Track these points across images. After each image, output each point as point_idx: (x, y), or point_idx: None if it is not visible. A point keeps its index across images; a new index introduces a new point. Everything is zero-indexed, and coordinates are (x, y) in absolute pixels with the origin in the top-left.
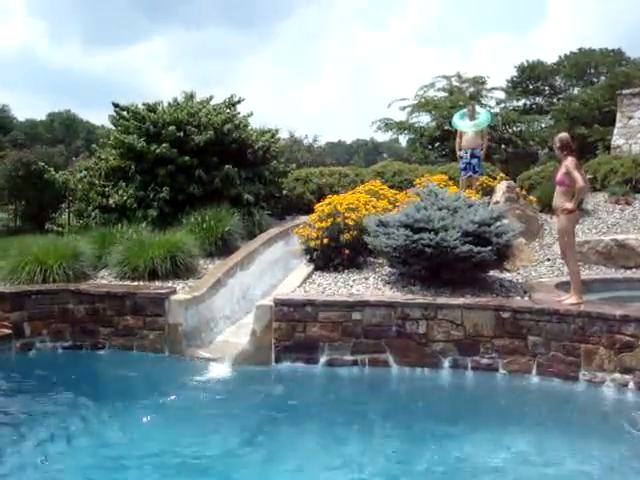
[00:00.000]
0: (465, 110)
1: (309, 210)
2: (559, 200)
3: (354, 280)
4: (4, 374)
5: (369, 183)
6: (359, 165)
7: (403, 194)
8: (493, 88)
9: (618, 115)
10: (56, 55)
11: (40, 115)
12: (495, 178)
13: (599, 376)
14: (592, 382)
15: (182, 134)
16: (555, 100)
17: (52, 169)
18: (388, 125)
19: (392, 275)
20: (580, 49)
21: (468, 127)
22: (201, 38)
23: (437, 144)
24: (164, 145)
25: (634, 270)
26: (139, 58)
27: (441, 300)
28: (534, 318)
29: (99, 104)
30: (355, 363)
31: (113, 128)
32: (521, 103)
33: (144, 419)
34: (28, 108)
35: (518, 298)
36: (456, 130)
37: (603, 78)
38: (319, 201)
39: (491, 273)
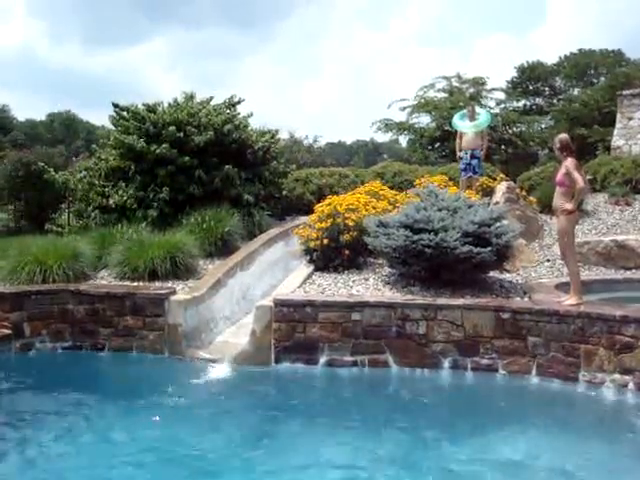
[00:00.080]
0: (465, 111)
1: (309, 211)
2: (559, 201)
3: (354, 281)
4: (4, 374)
5: (369, 184)
6: (359, 166)
7: (403, 195)
8: (493, 89)
9: (618, 116)
10: (56, 55)
11: (40, 115)
12: (495, 179)
13: (599, 377)
14: (592, 383)
15: (182, 134)
16: (555, 101)
17: (52, 169)
18: (388, 126)
19: (392, 276)
20: (580, 50)
21: (468, 128)
22: (201, 38)
23: (437, 145)
24: (164, 145)
25: (634, 271)
26: (139, 58)
27: (441, 301)
28: (534, 319)
29: (99, 104)
30: (355, 364)
31: (113, 128)
32: (521, 104)
33: (144, 419)
34: (28, 108)
35: (518, 299)
36: (456, 131)
37: (603, 79)
38: (319, 202)
39: (491, 274)
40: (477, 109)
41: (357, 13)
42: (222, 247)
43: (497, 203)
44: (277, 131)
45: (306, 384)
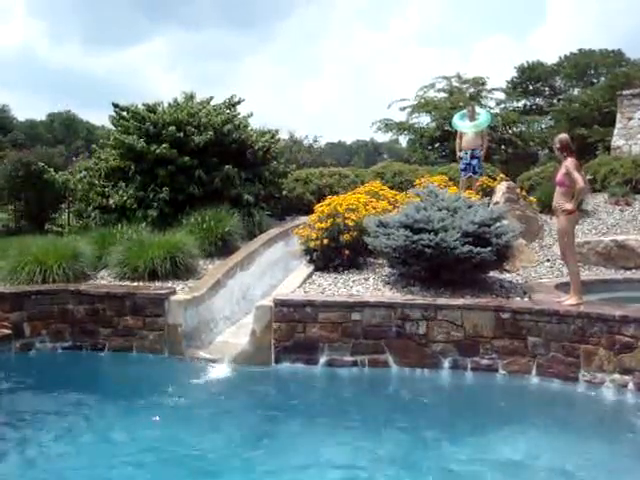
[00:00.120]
0: (465, 111)
1: (309, 211)
2: (559, 201)
3: (354, 281)
4: (4, 374)
5: (369, 184)
6: (359, 166)
7: (403, 195)
8: (493, 89)
9: (618, 116)
10: (56, 55)
11: (40, 115)
12: (495, 179)
13: (599, 377)
14: (592, 383)
15: (182, 134)
16: (555, 101)
17: (52, 169)
18: (388, 126)
19: (392, 276)
20: (580, 50)
21: (468, 128)
22: (201, 38)
23: (437, 145)
24: (164, 145)
25: (634, 271)
26: (139, 58)
27: (441, 301)
28: (534, 319)
29: (99, 104)
30: (355, 364)
31: (113, 128)
32: (521, 104)
33: (144, 419)
34: (28, 108)
35: (518, 299)
36: (456, 131)
37: (603, 79)
38: (319, 202)
39: (491, 274)
40: (477, 109)
41: (357, 13)
42: (222, 247)
43: (497, 203)
44: (277, 131)
45: (306, 384)
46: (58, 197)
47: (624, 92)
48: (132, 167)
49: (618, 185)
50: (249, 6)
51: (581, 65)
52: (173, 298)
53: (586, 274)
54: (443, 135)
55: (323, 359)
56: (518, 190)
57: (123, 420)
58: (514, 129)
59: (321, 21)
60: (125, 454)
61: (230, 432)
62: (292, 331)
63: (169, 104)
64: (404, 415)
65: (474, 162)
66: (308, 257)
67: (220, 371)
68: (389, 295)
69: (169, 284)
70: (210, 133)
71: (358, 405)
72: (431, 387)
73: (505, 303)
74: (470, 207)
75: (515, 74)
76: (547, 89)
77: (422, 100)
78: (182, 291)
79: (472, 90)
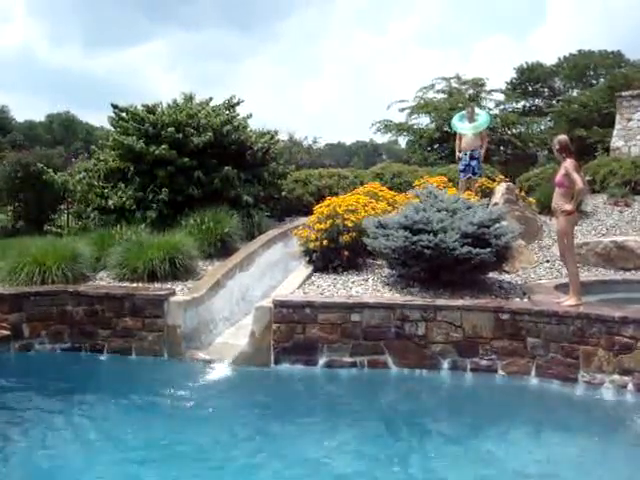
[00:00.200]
0: (464, 112)
1: (308, 212)
2: (558, 202)
3: (353, 282)
4: (3, 375)
5: (368, 185)
6: (358, 167)
7: (402, 196)
8: (492, 90)
9: (617, 117)
10: (56, 56)
11: (39, 116)
12: (494, 180)
13: (598, 377)
14: (591, 384)
15: (181, 135)
16: (554, 102)
17: (51, 170)
18: (388, 127)
19: (391, 277)
20: (579, 51)
21: (467, 129)
22: (201, 39)
23: (436, 146)
24: (163, 146)
25: (633, 272)
26: (139, 59)
27: (440, 302)
28: (533, 320)
29: (98, 105)
30: (354, 365)
31: (112, 129)
32: (520, 105)
33: (143, 419)
34: (27, 109)
35: (517, 300)
36: (455, 132)
37: (602, 80)
38: (318, 203)
39: (490, 275)
40: (476, 110)
41: (357, 13)
42: (221, 248)
43: (496, 204)
44: (276, 132)
45: (306, 385)
46: (57, 198)
47: (623, 93)
48: (131, 168)
49: (617, 186)
50: (249, 6)
51: (580, 66)
52: (172, 299)
53: (585, 275)
54: (442, 136)
55: (322, 360)
56: (517, 191)
57: (122, 420)
58: (513, 130)
59: (321, 21)
60: (124, 454)
61: (229, 433)
62: (291, 332)
63: (168, 105)
64: (403, 416)
65: (473, 163)
66: (307, 258)
67: (219, 372)
68: (388, 296)
69: (168, 285)
70: (209, 134)
71: (358, 406)
72: (430, 388)
73: (504, 304)
74: (469, 208)
75: (514, 75)
76: (546, 90)
77: (421, 101)
78: (181, 292)
79: (471, 91)
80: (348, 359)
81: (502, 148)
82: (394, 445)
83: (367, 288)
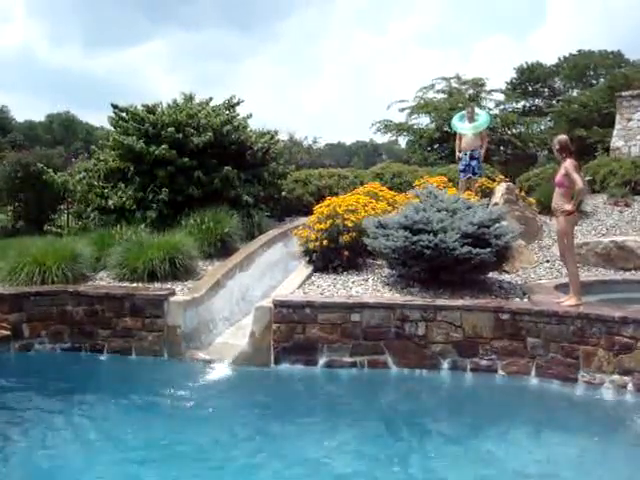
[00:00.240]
0: (464, 112)
1: (308, 212)
2: (558, 202)
3: (353, 282)
4: (3, 375)
5: (368, 185)
6: (358, 167)
7: (402, 196)
8: (492, 90)
9: (617, 117)
10: (56, 56)
11: (39, 116)
12: (494, 180)
13: (598, 378)
14: (591, 384)
15: (181, 135)
16: (554, 102)
17: (51, 170)
18: (388, 127)
19: (391, 277)
20: (579, 51)
21: (467, 129)
22: (201, 39)
23: (436, 146)
24: (163, 146)
25: (633, 272)
26: (139, 59)
27: (440, 302)
28: (533, 320)
29: (98, 105)
30: (354, 365)
31: (112, 129)
32: (520, 105)
33: (143, 420)
34: (27, 109)
35: (517, 300)
36: (455, 132)
37: (602, 80)
38: (318, 203)
39: (490, 275)
40: (476, 110)
41: (357, 13)
42: (221, 248)
43: (496, 204)
44: (276, 132)
45: (305, 385)
46: (57, 198)
47: (623, 93)
48: (131, 168)
49: (617, 186)
50: (249, 6)
51: (580, 66)
52: (172, 299)
53: (585, 275)
54: (442, 136)
55: (322, 360)
56: (517, 191)
57: (122, 421)
58: (513, 130)
59: (321, 21)
60: (124, 454)
61: (229, 433)
62: (291, 332)
63: (168, 105)
64: (403, 416)
65: (473, 163)
66: (307, 258)
67: (219, 372)
68: (388, 296)
69: (168, 285)
70: (209, 134)
71: (357, 406)
72: (430, 388)
73: (504, 304)
74: (469, 208)
75: (514, 75)
76: (546, 90)
77: (421, 101)
78: (181, 292)
79: (471, 91)
80: (348, 359)
81: (502, 148)
82: (394, 445)
83: (367, 288)
